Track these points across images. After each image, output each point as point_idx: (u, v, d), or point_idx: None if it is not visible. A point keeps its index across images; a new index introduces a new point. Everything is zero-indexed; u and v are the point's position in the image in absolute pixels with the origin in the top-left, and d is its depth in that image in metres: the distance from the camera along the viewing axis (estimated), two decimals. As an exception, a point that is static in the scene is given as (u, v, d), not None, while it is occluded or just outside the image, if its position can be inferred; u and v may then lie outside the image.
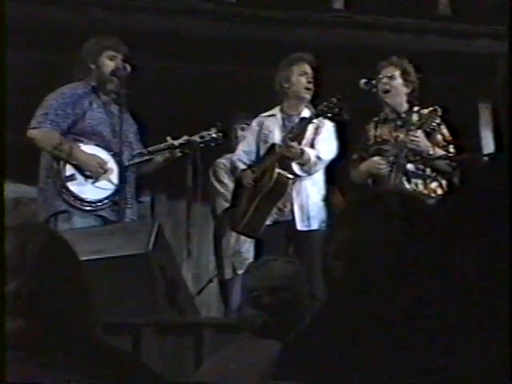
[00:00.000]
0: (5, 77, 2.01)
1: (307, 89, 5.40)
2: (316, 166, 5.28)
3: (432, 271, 1.16)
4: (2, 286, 1.65)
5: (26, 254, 1.69)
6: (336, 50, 6.55)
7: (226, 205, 5.84)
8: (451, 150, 5.31)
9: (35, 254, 1.69)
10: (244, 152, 5.51)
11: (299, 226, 5.24)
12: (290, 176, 5.25)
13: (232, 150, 5.74)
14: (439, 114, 5.17)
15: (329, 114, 5.18)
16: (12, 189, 5.30)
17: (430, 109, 5.19)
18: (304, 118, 5.36)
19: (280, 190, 5.24)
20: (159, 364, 3.81)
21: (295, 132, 5.31)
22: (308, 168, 5.27)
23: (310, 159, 5.25)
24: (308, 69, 5.41)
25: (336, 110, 5.13)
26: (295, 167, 5.26)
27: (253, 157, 5.48)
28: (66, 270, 1.74)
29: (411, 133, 5.19)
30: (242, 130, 6.06)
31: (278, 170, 5.22)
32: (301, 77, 5.40)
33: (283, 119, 5.47)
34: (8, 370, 1.61)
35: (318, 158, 5.27)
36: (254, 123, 5.55)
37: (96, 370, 1.65)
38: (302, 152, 5.22)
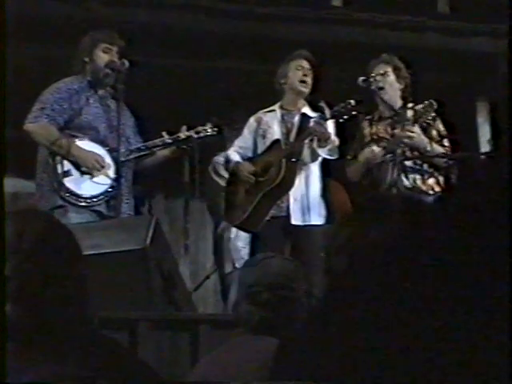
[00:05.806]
0: (4, 71, 2.00)
1: (303, 82, 5.37)
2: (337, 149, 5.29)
3: (432, 270, 1.17)
4: (2, 272, 1.61)
5: (23, 239, 1.64)
6: (334, 47, 6.56)
7: None
8: (446, 143, 5.33)
9: (32, 239, 1.65)
10: (240, 147, 5.49)
11: (296, 221, 5.23)
12: (319, 155, 5.22)
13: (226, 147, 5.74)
14: (435, 107, 5.18)
15: (345, 116, 5.15)
16: (11, 183, 5.29)
17: (426, 102, 5.20)
18: (305, 115, 5.35)
19: (287, 186, 5.23)
20: (155, 359, 3.81)
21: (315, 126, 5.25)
22: (334, 152, 5.26)
23: (335, 141, 5.24)
24: (305, 64, 5.39)
25: (353, 112, 5.11)
26: (321, 152, 5.23)
27: (249, 152, 5.46)
28: (63, 258, 1.68)
29: (407, 127, 5.19)
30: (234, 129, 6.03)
31: (285, 163, 5.21)
32: (297, 71, 5.39)
33: (282, 115, 5.45)
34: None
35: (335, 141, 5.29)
36: (252, 119, 5.53)
37: (86, 363, 1.62)
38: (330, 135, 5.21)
